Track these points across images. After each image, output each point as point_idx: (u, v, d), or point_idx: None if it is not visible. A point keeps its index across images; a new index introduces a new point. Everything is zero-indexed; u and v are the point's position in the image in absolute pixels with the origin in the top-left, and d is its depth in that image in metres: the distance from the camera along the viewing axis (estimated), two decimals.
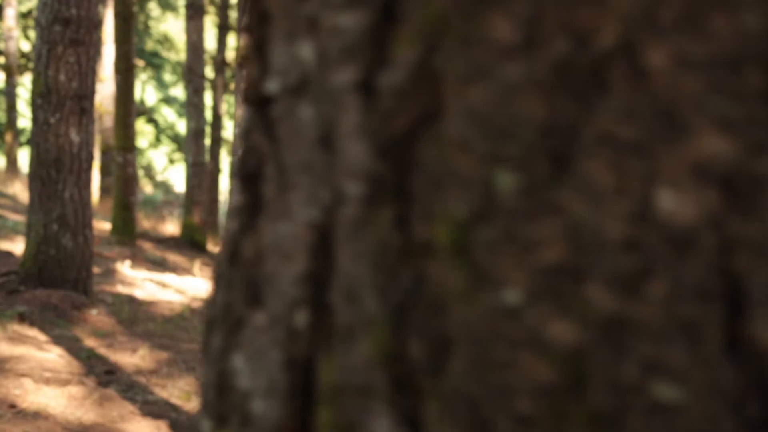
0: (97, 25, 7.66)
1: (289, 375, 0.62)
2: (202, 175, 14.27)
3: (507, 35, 0.52)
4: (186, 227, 13.88)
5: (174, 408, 6.44)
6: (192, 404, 6.53)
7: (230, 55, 19.24)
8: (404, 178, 0.56)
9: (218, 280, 0.76)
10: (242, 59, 10.29)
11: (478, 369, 0.53)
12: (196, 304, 9.25)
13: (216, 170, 16.44)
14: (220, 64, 16.82)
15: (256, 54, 0.68)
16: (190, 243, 13.44)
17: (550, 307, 0.51)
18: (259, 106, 0.67)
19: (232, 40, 19.36)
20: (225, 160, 20.54)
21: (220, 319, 0.72)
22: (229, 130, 21.44)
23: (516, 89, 0.52)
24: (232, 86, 20.29)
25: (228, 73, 19.09)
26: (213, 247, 14.34)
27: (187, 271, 11.14)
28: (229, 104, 20.78)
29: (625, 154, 0.50)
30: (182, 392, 6.72)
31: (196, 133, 13.87)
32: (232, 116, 21.36)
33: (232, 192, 0.76)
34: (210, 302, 0.78)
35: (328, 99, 0.60)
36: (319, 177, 0.60)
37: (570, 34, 0.51)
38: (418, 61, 0.55)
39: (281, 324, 0.62)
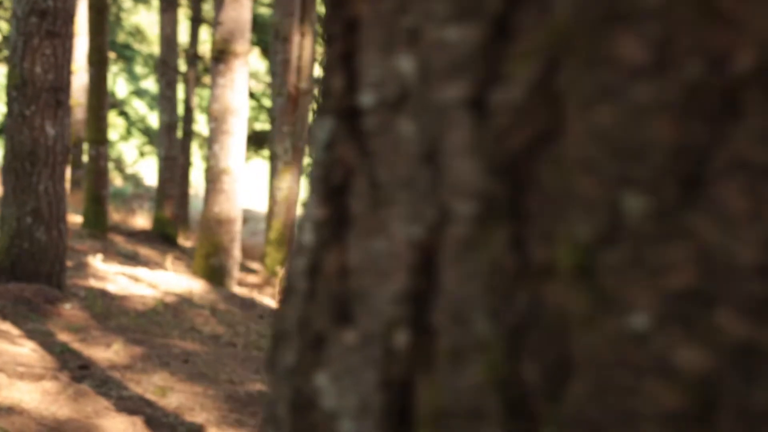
0: (73, 16, 7.59)
1: (385, 396, 0.60)
2: (174, 168, 14.19)
3: (637, 56, 0.51)
4: (157, 221, 13.79)
5: (149, 404, 6.39)
6: (167, 400, 6.49)
7: (203, 48, 19.11)
8: (519, 198, 0.55)
9: (289, 294, 0.75)
10: (218, 53, 10.23)
11: (600, 394, 0.52)
12: (169, 299, 9.19)
13: (187, 164, 16.35)
14: (192, 57, 16.71)
15: (341, 63, 0.66)
16: (161, 237, 13.35)
17: (678, 333, 0.50)
18: (345, 118, 0.65)
19: (204, 33, 19.24)
20: (196, 154, 20.43)
21: (295, 334, 0.71)
22: (200, 124, 21.32)
23: (646, 111, 0.51)
24: (204, 80, 20.17)
25: (200, 66, 18.98)
26: (184, 240, 14.27)
27: (159, 265, 11.07)
28: (200, 98, 20.65)
29: (760, 178, 0.49)
30: (157, 388, 6.68)
31: (169, 127, 13.79)
32: (204, 110, 21.23)
33: (306, 203, 0.74)
34: (278, 316, 0.76)
35: (432, 114, 0.58)
36: (422, 194, 0.58)
37: (703, 56, 0.50)
38: (537, 79, 0.54)
39: (377, 343, 0.61)
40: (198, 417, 6.30)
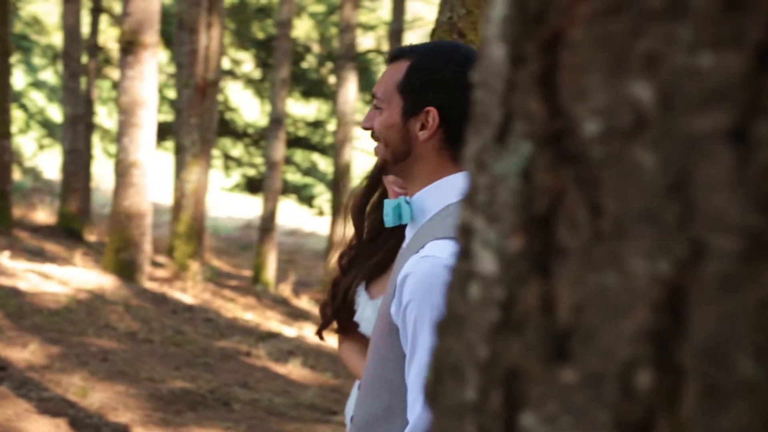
0: None
1: None
2: (78, 161, 13.88)
3: None
4: (62, 215, 13.48)
5: (71, 404, 6.25)
6: (89, 400, 6.35)
7: (103, 38, 18.72)
8: None
9: (452, 325, 0.71)
10: (127, 44, 10.03)
11: None
12: (82, 296, 9.00)
13: (88, 157, 16.00)
14: (93, 48, 16.35)
15: (538, 85, 0.63)
16: (67, 232, 13.06)
17: None
18: (549, 144, 0.62)
19: (104, 23, 18.84)
20: (98, 146, 19.97)
21: (475, 369, 0.67)
22: (101, 116, 20.86)
23: None
24: (105, 71, 19.75)
25: (101, 57, 18.57)
26: (88, 235, 13.98)
27: (67, 261, 10.82)
28: (101, 89, 20.20)
29: None
30: (78, 388, 6.53)
31: (73, 119, 13.47)
32: (105, 102, 20.79)
33: (465, 230, 0.71)
34: (440, 348, 0.73)
35: (678, 145, 0.55)
36: (669, 228, 0.56)
37: None
38: None
39: (610, 382, 0.58)
40: (122, 417, 6.17)
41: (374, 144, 2.05)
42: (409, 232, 2.06)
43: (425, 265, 1.84)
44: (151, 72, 10.14)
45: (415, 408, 1.85)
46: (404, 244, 2.09)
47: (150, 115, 10.17)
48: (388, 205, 2.04)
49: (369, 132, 2.06)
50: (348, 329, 2.77)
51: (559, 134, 0.61)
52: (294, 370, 8.44)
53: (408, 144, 1.97)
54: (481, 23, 3.35)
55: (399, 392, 1.95)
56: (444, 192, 1.97)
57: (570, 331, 0.60)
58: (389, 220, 2.05)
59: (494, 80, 0.68)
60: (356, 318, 2.71)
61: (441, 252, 1.84)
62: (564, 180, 0.61)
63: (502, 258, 0.65)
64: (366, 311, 2.69)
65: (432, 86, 1.95)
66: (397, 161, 1.99)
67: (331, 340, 9.40)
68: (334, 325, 2.79)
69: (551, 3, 0.62)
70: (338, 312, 2.75)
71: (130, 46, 10.01)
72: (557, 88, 0.62)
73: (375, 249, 2.69)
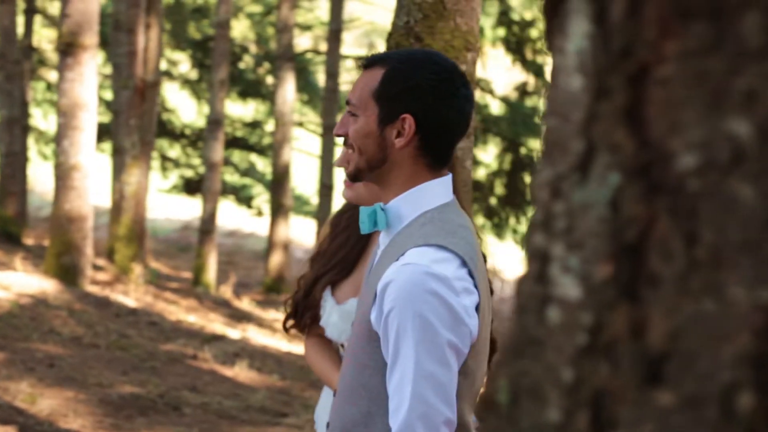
0: None
1: None
2: (16, 164, 13.70)
3: None
4: (0, 219, 13.30)
5: (20, 412, 6.18)
6: (38, 407, 6.28)
7: (38, 39, 18.49)
8: None
9: (526, 346, 0.74)
10: (66, 46, 9.91)
11: None
12: (24, 301, 8.88)
13: (24, 159, 15.77)
14: (27, 49, 16.14)
15: (623, 116, 0.66)
16: (4, 235, 12.87)
17: None
18: (639, 175, 0.65)
19: (38, 24, 18.58)
20: (33, 149, 19.68)
21: (558, 391, 0.70)
22: (37, 118, 20.58)
23: None
24: (40, 72, 19.50)
25: (36, 58, 18.33)
26: (25, 239, 13.79)
27: (6, 266, 10.65)
28: (35, 91, 19.93)
29: None
30: (26, 395, 6.45)
31: (10, 122, 13.29)
32: (40, 104, 20.51)
33: (539, 255, 0.73)
34: (516, 370, 0.75)
35: None
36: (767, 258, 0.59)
37: None
38: None
39: (711, 405, 0.61)
40: (73, 423, 6.12)
41: (339, 148, 2.06)
42: (384, 239, 2.07)
43: (407, 273, 1.86)
44: (91, 74, 10.03)
45: (398, 415, 1.86)
46: (379, 251, 2.10)
47: (90, 117, 10.07)
48: (364, 212, 2.05)
49: (342, 138, 2.07)
50: (312, 330, 2.78)
51: (648, 166, 0.64)
52: (241, 372, 8.41)
53: (384, 151, 1.98)
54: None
55: (378, 398, 1.96)
56: (420, 199, 1.99)
57: (665, 356, 0.63)
58: (365, 227, 2.05)
59: (571, 110, 0.70)
60: (322, 323, 2.72)
61: (421, 259, 1.86)
62: (655, 210, 0.63)
63: (587, 284, 0.68)
64: (332, 316, 2.70)
65: (408, 93, 1.97)
66: (373, 169, 2.00)
67: (280, 342, 9.29)
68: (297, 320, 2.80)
69: (637, 38, 0.65)
70: (298, 306, 2.76)
71: (69, 47, 9.88)
72: (646, 121, 0.64)
73: (338, 244, 2.71)
